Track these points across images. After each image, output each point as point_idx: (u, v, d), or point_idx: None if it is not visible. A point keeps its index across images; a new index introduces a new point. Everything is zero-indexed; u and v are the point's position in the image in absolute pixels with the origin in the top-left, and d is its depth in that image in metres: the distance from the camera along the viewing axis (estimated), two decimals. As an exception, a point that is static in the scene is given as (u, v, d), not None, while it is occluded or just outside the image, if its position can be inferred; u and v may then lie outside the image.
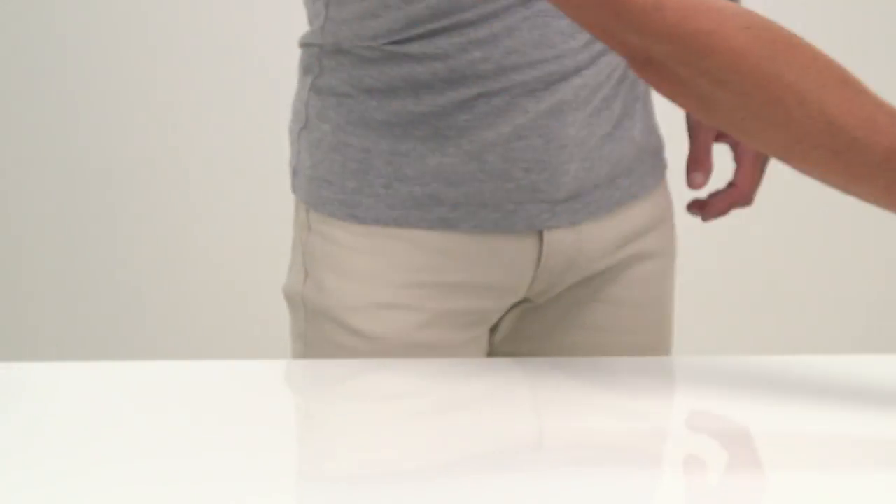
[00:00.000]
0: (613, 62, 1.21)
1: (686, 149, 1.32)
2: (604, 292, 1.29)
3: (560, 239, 1.24)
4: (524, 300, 1.28)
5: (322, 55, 1.23)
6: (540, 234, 1.23)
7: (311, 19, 1.25)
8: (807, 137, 0.94)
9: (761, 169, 1.31)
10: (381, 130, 1.20)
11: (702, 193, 1.33)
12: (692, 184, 1.28)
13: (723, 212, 1.30)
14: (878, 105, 0.94)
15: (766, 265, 2.79)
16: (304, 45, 1.26)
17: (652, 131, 1.31)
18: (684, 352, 1.36)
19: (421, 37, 1.17)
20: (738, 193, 1.30)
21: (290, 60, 1.38)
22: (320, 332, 1.23)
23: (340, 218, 1.22)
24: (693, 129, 1.31)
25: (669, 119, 1.36)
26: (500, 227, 1.21)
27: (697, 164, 1.29)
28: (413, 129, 1.19)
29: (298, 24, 1.31)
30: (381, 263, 1.21)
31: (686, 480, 0.93)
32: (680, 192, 1.34)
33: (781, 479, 0.91)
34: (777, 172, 2.05)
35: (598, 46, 1.19)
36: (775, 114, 0.94)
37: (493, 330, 1.31)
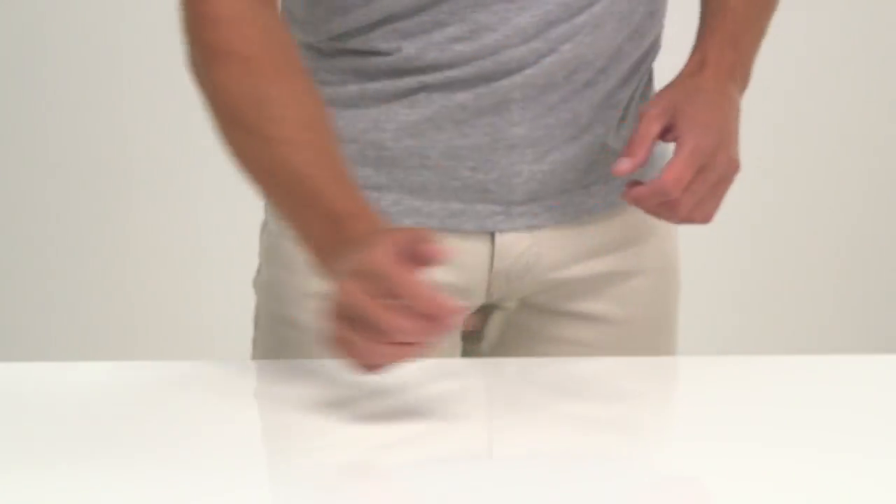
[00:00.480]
0: (571, 64, 1.18)
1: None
2: (582, 307, 1.25)
3: (513, 243, 1.21)
4: (494, 306, 1.26)
5: (301, 48, 1.24)
6: (492, 236, 1.21)
7: None
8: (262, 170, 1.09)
9: (699, 173, 1.13)
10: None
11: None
12: (614, 168, 1.16)
13: (643, 198, 1.14)
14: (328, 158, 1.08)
15: (764, 265, 2.78)
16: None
17: None
18: (678, 352, 1.35)
19: (358, 32, 1.17)
20: (659, 184, 1.13)
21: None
22: (265, 321, 1.26)
23: None
24: (640, 117, 1.19)
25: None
26: (445, 225, 1.19)
27: (629, 151, 1.16)
28: (356, 121, 1.19)
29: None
30: None
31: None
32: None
33: (779, 478, 0.90)
34: (778, 174, 2.07)
35: (540, 45, 1.16)
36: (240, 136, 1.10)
37: (480, 338, 1.29)
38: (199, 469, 0.90)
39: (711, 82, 1.19)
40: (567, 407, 1.05)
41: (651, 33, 1.24)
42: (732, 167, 1.15)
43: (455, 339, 1.27)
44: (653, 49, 1.26)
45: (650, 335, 1.28)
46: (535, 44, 1.16)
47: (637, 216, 1.22)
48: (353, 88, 1.19)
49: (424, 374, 1.10)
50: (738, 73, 1.22)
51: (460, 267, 1.20)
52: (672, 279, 1.31)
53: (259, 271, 1.28)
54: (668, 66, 1.27)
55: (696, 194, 1.13)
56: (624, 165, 1.14)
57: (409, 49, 1.16)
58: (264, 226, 1.28)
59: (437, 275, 1.19)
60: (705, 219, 1.15)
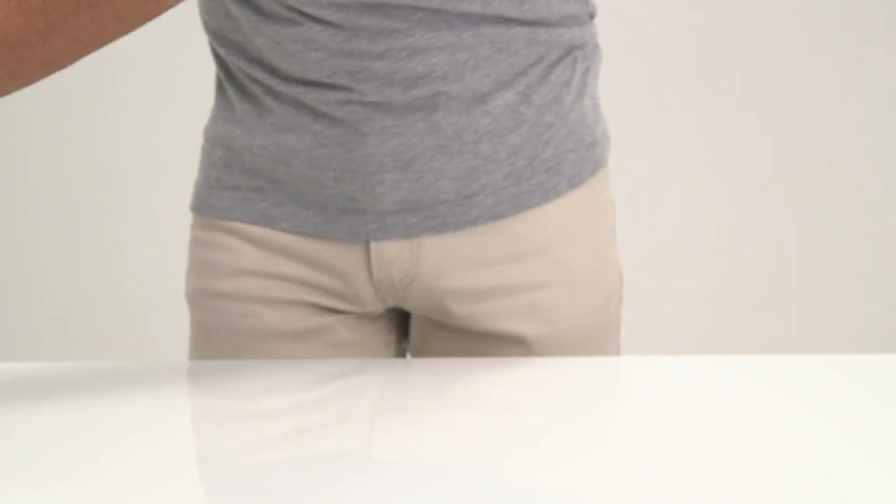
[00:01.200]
0: (413, 76, 1.14)
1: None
2: (485, 325, 1.21)
3: (389, 251, 1.20)
4: (406, 312, 1.26)
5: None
6: (367, 245, 1.20)
7: None
8: None
9: None
10: (218, 124, 1.24)
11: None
12: None
13: None
14: None
15: (763, 265, 2.79)
16: None
17: (533, 149, 1.19)
18: (670, 351, 1.34)
19: (215, 40, 1.21)
20: None
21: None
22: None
23: (192, 211, 1.27)
24: None
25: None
26: (321, 231, 1.20)
27: None
28: (236, 126, 1.21)
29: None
30: (213, 254, 1.24)
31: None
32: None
33: (776, 480, 0.90)
34: (777, 174, 2.07)
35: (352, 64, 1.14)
36: None
37: (409, 340, 1.30)
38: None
39: None
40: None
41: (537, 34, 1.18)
42: None
43: (381, 342, 1.27)
44: (556, 49, 1.20)
45: (570, 353, 1.23)
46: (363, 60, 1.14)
47: (532, 228, 1.20)
48: (233, 98, 1.21)
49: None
50: None
51: (339, 273, 1.21)
52: (589, 294, 1.24)
53: None
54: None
55: None
56: None
57: (257, 69, 1.18)
58: None
59: (323, 281, 1.21)
60: None
